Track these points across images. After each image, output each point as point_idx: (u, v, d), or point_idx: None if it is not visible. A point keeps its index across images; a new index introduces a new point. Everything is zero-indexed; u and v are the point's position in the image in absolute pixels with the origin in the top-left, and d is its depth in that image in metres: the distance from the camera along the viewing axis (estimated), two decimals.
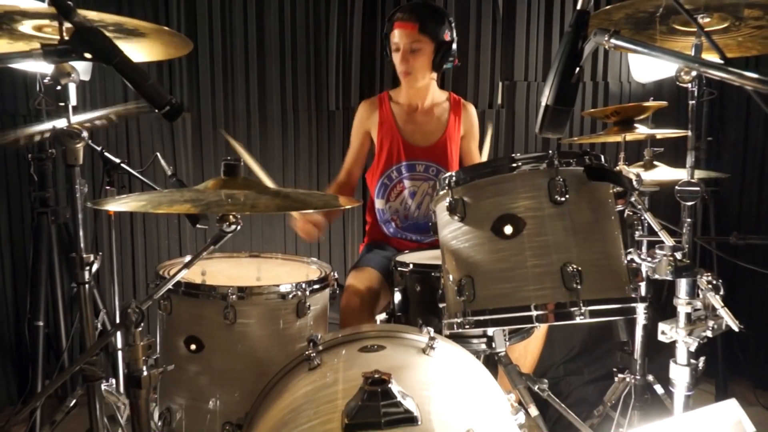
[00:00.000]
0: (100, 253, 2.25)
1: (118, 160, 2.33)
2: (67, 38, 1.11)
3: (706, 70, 1.00)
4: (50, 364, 2.80)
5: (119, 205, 1.29)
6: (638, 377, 2.09)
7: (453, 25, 2.38)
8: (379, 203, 2.53)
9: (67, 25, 1.36)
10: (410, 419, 1.08)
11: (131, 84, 1.13)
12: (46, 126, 1.97)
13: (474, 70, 3.40)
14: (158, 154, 2.37)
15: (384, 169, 2.49)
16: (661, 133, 1.99)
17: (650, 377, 2.11)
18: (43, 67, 2.29)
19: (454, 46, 2.39)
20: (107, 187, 2.35)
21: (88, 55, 1.09)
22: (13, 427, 2.79)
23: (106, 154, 2.33)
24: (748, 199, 3.26)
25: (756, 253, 3.14)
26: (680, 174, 1.93)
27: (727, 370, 3.08)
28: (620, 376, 2.16)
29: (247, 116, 3.35)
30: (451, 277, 1.45)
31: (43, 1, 1.53)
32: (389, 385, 1.12)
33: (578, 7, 1.18)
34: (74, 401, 2.29)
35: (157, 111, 1.18)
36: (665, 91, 3.30)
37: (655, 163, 2.03)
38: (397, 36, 2.33)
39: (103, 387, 2.09)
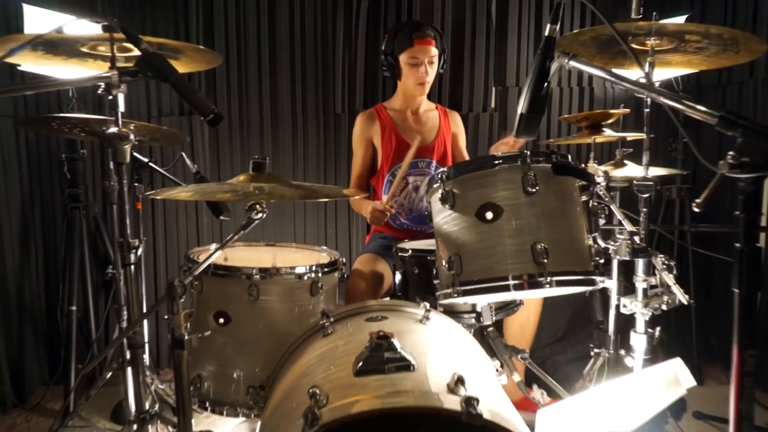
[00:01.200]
0: (144, 238, 2.52)
1: (146, 160, 2.51)
2: (136, 62, 1.36)
3: (636, 89, 1.24)
4: (80, 348, 3.00)
5: (173, 194, 1.55)
6: (611, 352, 2.32)
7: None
8: (385, 199, 2.78)
9: (118, 45, 1.63)
10: (408, 366, 1.31)
11: (183, 97, 1.39)
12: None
13: (469, 76, 3.54)
14: (183, 154, 2.54)
15: (389, 168, 2.76)
16: (627, 135, 2.25)
17: (622, 351, 2.34)
18: (75, 75, 2.54)
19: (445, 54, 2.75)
20: (136, 184, 2.53)
21: (150, 74, 1.35)
22: (48, 403, 3.04)
23: (135, 153, 2.50)
24: (722, 194, 3.49)
25: (729, 242, 3.37)
26: (649, 171, 2.19)
27: (701, 354, 3.30)
28: (596, 351, 2.39)
29: (260, 120, 3.48)
30: (442, 255, 1.71)
31: (99, 24, 1.79)
32: (392, 339, 1.38)
33: (546, 34, 1.45)
34: (108, 376, 2.53)
35: (203, 118, 1.44)
36: (640, 97, 3.50)
37: (625, 162, 2.29)
38: (419, 52, 2.61)
39: (129, 369, 2.33)
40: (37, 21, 2.57)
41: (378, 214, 2.42)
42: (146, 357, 2.73)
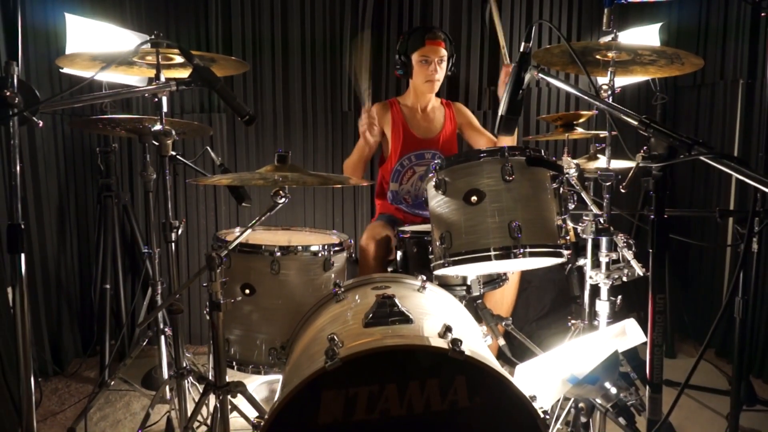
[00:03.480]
0: (184, 219, 2.82)
1: (174, 153, 2.70)
2: (190, 74, 1.66)
3: (592, 102, 1.54)
4: (110, 323, 3.31)
5: (215, 180, 1.86)
6: (585, 322, 2.61)
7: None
8: (393, 186, 3.08)
9: (162, 54, 1.94)
10: (407, 320, 1.62)
11: (226, 102, 1.71)
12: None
13: (465, 76, 3.78)
14: (208, 147, 2.77)
15: (398, 158, 3.06)
16: (599, 133, 2.55)
17: (595, 322, 2.64)
18: (109, 76, 2.82)
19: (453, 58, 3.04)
20: None
21: (200, 84, 1.66)
22: (84, 372, 3.36)
23: None
24: (698, 183, 3.79)
25: (701, 227, 3.69)
26: (620, 164, 2.50)
27: (675, 331, 3.61)
28: (573, 322, 2.66)
29: (273, 116, 3.71)
30: (436, 233, 2.03)
31: (150, 41, 2.09)
32: (395, 299, 1.69)
33: (521, 50, 1.75)
34: (144, 343, 2.81)
35: (240, 119, 1.76)
36: (627, 95, 3.77)
37: (598, 155, 2.59)
38: (430, 51, 2.92)
39: (162, 337, 2.63)
40: (78, 29, 2.87)
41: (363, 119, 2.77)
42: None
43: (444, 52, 2.95)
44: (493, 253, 1.84)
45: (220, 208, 3.74)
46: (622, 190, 1.27)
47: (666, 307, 1.21)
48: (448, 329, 1.54)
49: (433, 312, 1.82)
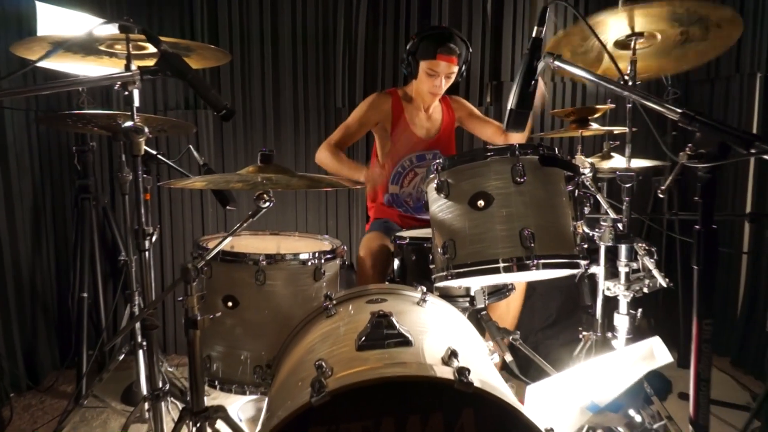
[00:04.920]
0: (158, 225, 2.62)
1: (155, 152, 2.55)
2: (156, 62, 1.46)
3: (617, 90, 1.35)
4: (89, 333, 3.10)
5: (189, 184, 1.66)
6: (599, 334, 2.43)
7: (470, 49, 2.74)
8: (392, 188, 2.87)
9: (132, 44, 1.74)
10: (406, 342, 1.42)
11: (199, 94, 1.50)
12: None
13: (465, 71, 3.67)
14: (191, 146, 2.61)
15: (398, 160, 2.84)
16: (614, 129, 2.36)
17: (609, 334, 2.46)
18: (85, 71, 2.62)
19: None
20: (144, 176, 2.64)
21: (169, 73, 1.46)
22: (60, 386, 3.16)
23: (144, 146, 2.64)
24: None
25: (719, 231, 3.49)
26: (635, 163, 2.31)
27: (687, 339, 3.32)
28: (585, 334, 2.48)
29: (263, 113, 3.56)
30: (438, 241, 1.83)
31: (111, 23, 1.90)
32: (391, 318, 1.49)
33: (533, 35, 1.55)
34: (121, 358, 2.61)
35: (216, 113, 1.55)
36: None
37: (612, 154, 2.40)
38: (440, 66, 2.63)
39: (140, 351, 2.44)
40: (49, 18, 2.66)
41: (374, 175, 2.48)
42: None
43: (455, 69, 2.69)
44: (502, 264, 1.63)
45: (207, 211, 3.56)
46: (661, 195, 1.06)
47: (711, 334, 1.01)
48: (453, 354, 1.36)
49: (435, 330, 1.63)
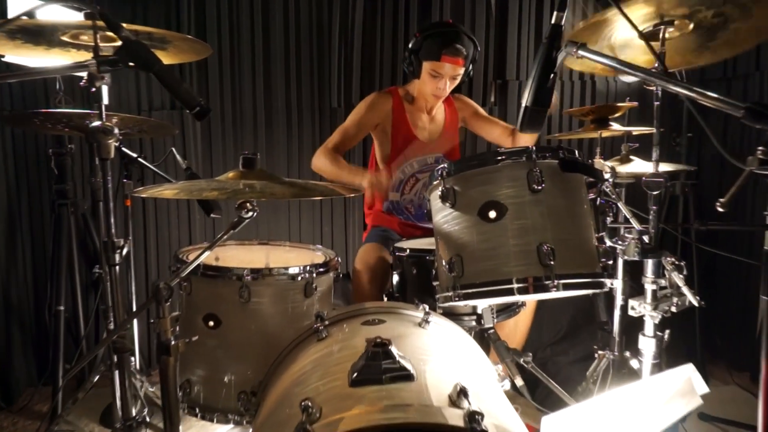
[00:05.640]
0: (130, 238, 2.43)
1: (135, 155, 2.43)
2: (116, 50, 1.27)
3: (650, 79, 1.16)
4: (68, 348, 2.92)
5: (157, 193, 1.46)
6: (616, 354, 2.24)
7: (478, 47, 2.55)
8: (393, 195, 2.68)
9: (100, 34, 1.54)
10: (407, 376, 1.23)
11: (167, 88, 1.31)
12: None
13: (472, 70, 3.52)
14: (173, 149, 2.48)
15: (399, 164, 2.65)
16: (634, 130, 2.16)
17: (627, 353, 2.27)
18: (43, 62, 2.44)
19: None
20: (125, 180, 2.45)
21: (132, 64, 1.26)
22: (36, 405, 2.96)
23: (124, 149, 2.42)
24: (727, 189, 3.41)
25: (735, 240, 3.31)
26: (652, 167, 2.11)
27: (705, 353, 3.25)
28: (600, 353, 2.30)
29: (253, 113, 3.42)
30: (442, 256, 1.63)
31: (79, 11, 1.71)
32: (390, 348, 1.29)
33: (552, 22, 1.36)
34: (96, 379, 2.45)
35: (189, 111, 1.36)
36: (648, 90, 3.41)
37: (631, 157, 2.21)
38: (445, 68, 2.44)
39: (116, 372, 2.26)
40: (20, 5, 2.47)
41: (379, 179, 2.28)
42: (136, 358, 2.67)
43: (461, 71, 2.49)
44: (516, 285, 1.43)
45: (195, 217, 3.41)
46: (720, 209, 0.87)
47: None
48: (462, 392, 1.17)
49: (440, 359, 1.44)
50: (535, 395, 2.63)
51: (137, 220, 3.32)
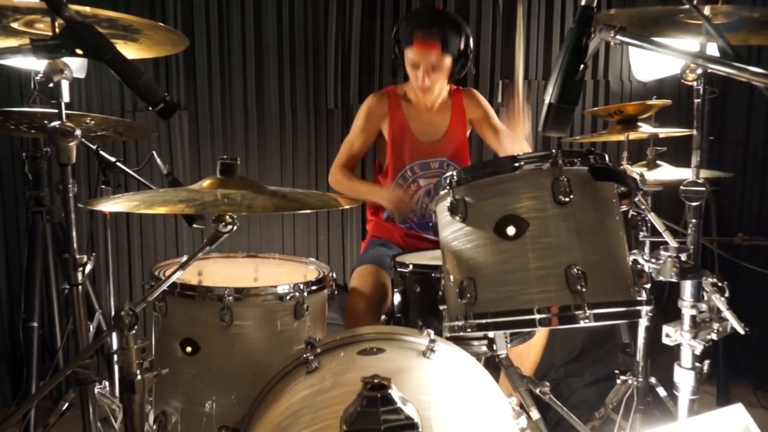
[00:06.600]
0: (94, 254, 2.22)
1: (113, 159, 2.29)
2: (57, 33, 1.07)
3: (713, 66, 0.96)
4: (45, 366, 2.78)
5: (112, 205, 1.26)
6: (640, 379, 2.05)
7: (470, 33, 2.34)
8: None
9: (59, 20, 1.34)
10: (410, 426, 1.05)
11: (124, 81, 1.10)
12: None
13: (474, 68, 3.33)
14: (154, 152, 2.34)
15: (398, 169, 2.46)
16: (665, 132, 1.96)
17: (653, 380, 2.08)
18: (37, 65, 2.27)
19: (471, 54, 2.37)
20: (102, 186, 2.32)
21: (79, 51, 1.06)
22: (7, 429, 2.76)
23: (101, 152, 2.29)
24: (749, 198, 3.24)
25: (758, 253, 3.12)
26: (683, 173, 1.91)
27: (728, 371, 3.07)
28: (622, 378, 2.12)
29: (244, 114, 3.33)
30: (452, 278, 1.42)
31: None
32: (389, 391, 1.09)
33: (582, 2, 1.16)
34: (67, 404, 2.26)
35: (150, 108, 1.15)
36: (666, 90, 3.27)
37: (659, 162, 2.01)
38: (417, 55, 2.25)
39: (96, 390, 2.07)
40: None
41: (404, 203, 2.23)
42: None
43: (439, 57, 2.25)
44: (538, 317, 1.22)
45: (181, 226, 3.28)
46: None
47: None
48: None
49: (447, 400, 1.26)
50: (546, 419, 2.44)
51: (120, 229, 3.20)
